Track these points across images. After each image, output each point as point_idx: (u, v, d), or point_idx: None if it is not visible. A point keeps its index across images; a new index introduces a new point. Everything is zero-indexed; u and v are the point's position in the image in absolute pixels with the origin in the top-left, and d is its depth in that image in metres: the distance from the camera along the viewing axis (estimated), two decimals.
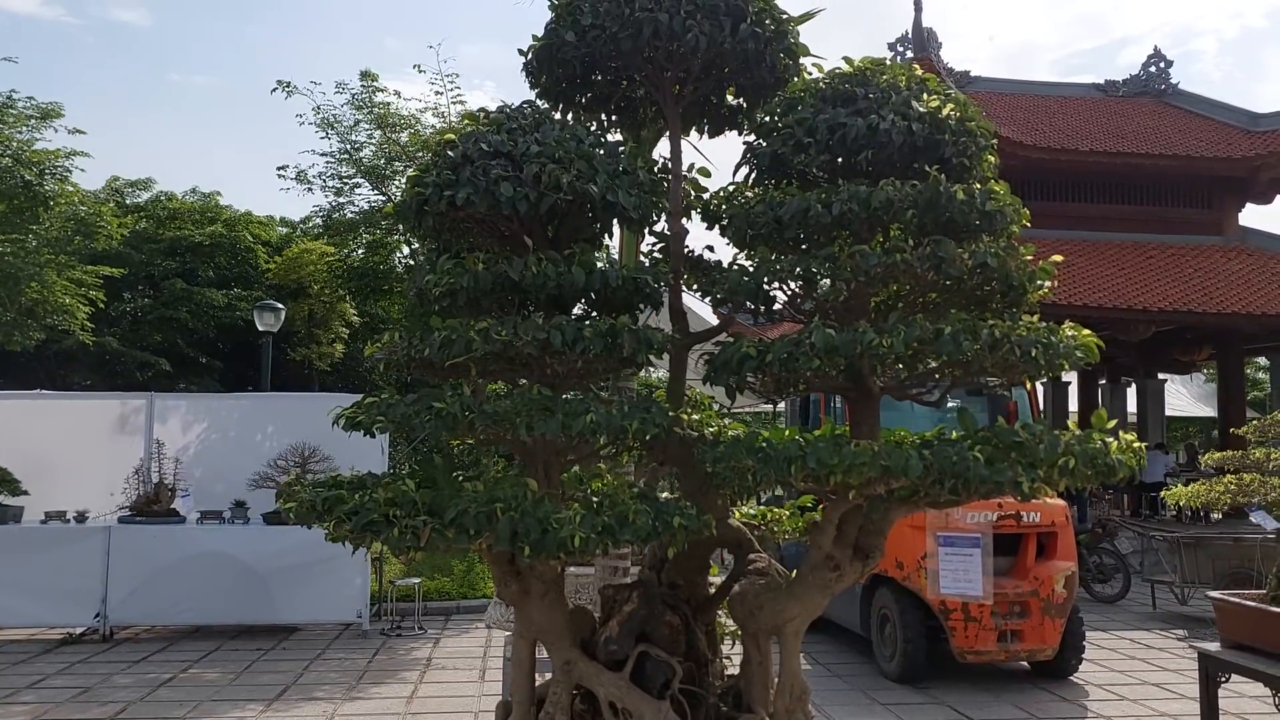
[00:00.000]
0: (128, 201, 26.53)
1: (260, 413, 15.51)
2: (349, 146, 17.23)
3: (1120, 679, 11.96)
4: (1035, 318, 4.21)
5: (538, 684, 4.70)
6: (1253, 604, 8.05)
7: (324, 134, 17.01)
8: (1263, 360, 31.16)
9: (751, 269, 4.34)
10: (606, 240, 5.15)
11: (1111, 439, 3.91)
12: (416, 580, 14.92)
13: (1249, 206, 23.24)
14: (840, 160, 4.38)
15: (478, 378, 4.22)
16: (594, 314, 4.56)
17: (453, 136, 4.38)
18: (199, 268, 24.91)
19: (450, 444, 4.96)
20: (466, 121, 4.49)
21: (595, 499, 4.12)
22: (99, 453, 14.61)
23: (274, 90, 16.63)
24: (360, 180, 17.28)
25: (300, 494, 3.91)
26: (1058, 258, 4.26)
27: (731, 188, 4.97)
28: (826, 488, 3.89)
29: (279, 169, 18.26)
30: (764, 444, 3.88)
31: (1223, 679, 8.36)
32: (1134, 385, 27.14)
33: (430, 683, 11.96)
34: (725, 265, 4.80)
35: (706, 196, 5.14)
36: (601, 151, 4.35)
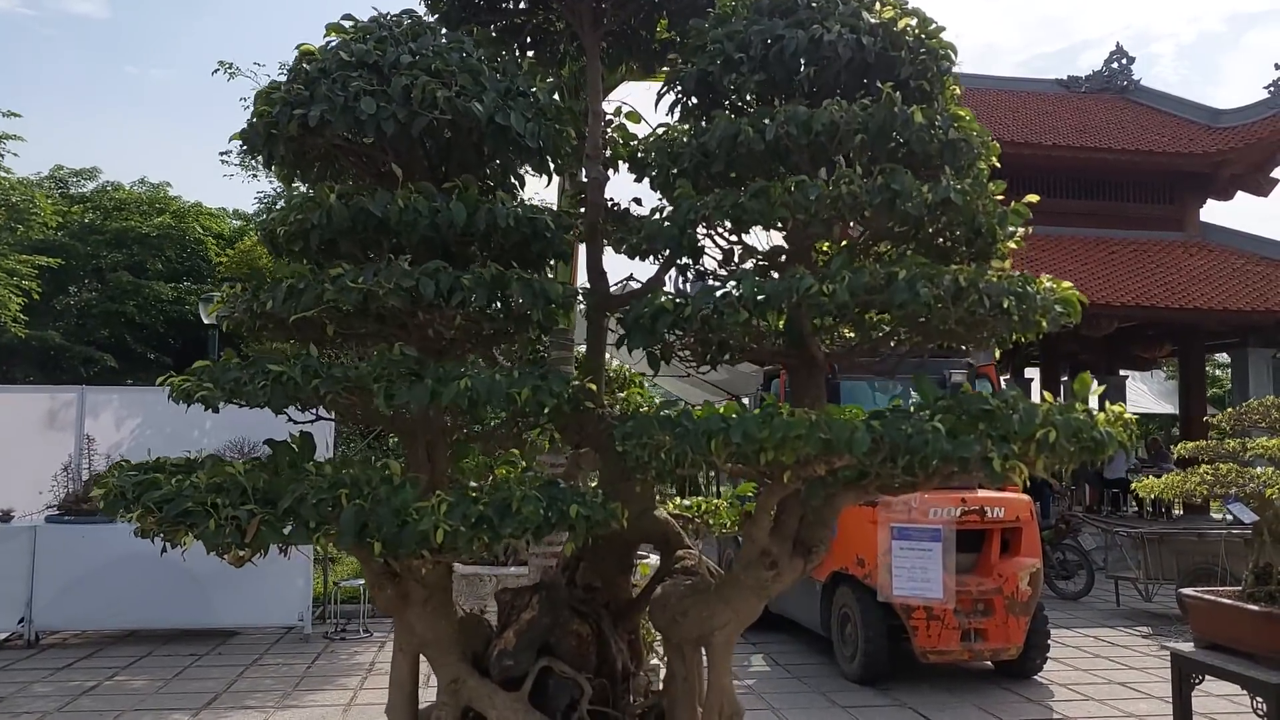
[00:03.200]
0: (72, 191, 25.41)
1: (197, 407, 14.59)
2: None
3: (1086, 678, 11.48)
4: (1007, 264, 3.47)
5: (421, 706, 3.91)
6: (1228, 601, 7.44)
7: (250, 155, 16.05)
8: (1223, 357, 30.79)
9: (671, 210, 3.54)
10: (520, 193, 4.35)
11: (1098, 410, 3.16)
12: (361, 581, 14.10)
13: (1210, 203, 22.78)
14: (777, 81, 3.59)
15: (341, 342, 3.42)
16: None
17: (311, 48, 3.55)
18: (147, 260, 23.76)
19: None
20: (332, 34, 3.64)
21: (474, 486, 3.32)
22: (26, 449, 13.73)
23: (215, 72, 15.72)
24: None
25: (109, 480, 3.10)
26: (1033, 197, 3.51)
27: (661, 130, 4.20)
28: (758, 469, 3.14)
29: (222, 154, 17.36)
30: (680, 418, 3.11)
31: (1196, 680, 7.79)
32: (1095, 381, 26.60)
33: (371, 689, 11.24)
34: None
35: (635, 144, 4.37)
36: (492, 70, 3.53)
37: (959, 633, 10.13)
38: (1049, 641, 11.01)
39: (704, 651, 3.85)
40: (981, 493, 10.51)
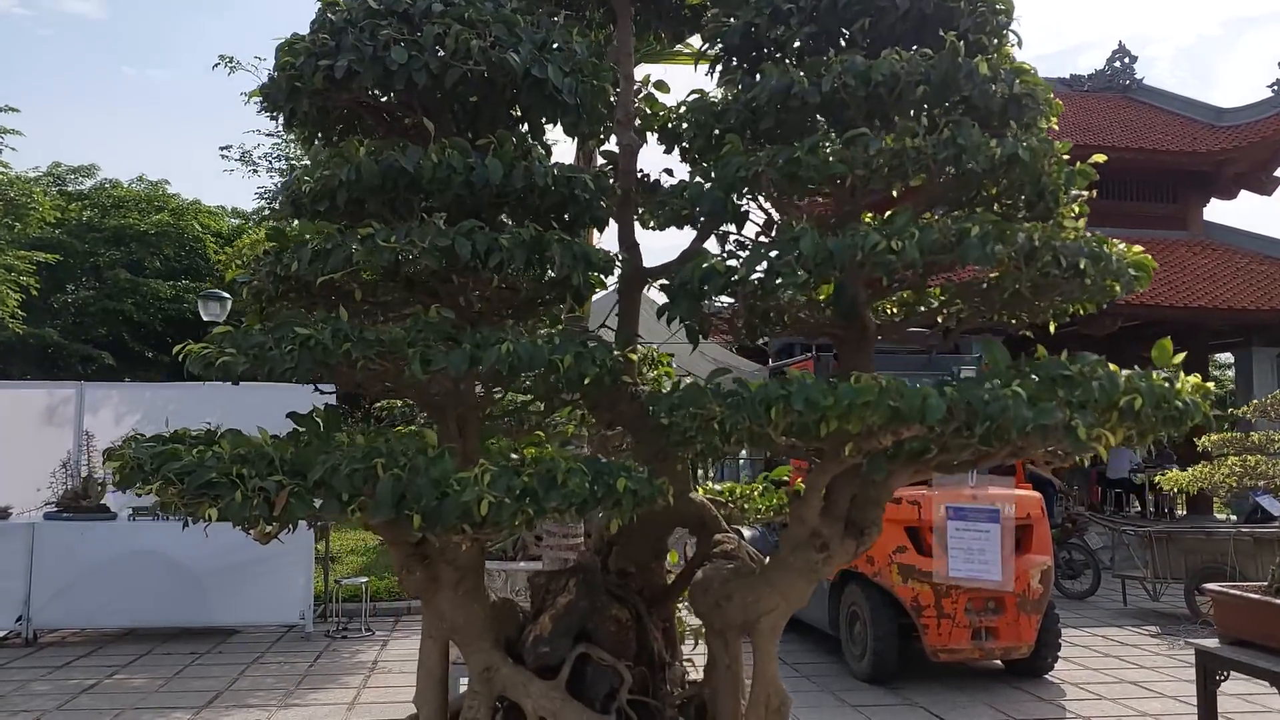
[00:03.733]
0: (70, 189, 25.13)
1: (199, 403, 14.36)
2: None
3: (1097, 677, 11.30)
4: (1080, 224, 3.26)
5: (451, 696, 3.69)
6: (1257, 597, 7.25)
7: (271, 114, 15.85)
8: (1225, 357, 30.65)
9: (716, 171, 3.31)
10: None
11: (1179, 379, 2.95)
12: (364, 579, 13.90)
13: (1214, 202, 22.64)
14: (829, 33, 3.38)
15: (366, 312, 3.20)
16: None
17: None
18: (145, 258, 23.49)
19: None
20: None
21: (514, 458, 3.09)
22: (24, 446, 13.49)
23: (215, 66, 15.49)
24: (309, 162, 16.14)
25: (125, 451, 2.88)
26: (1099, 157, 3.31)
27: (693, 97, 3.99)
28: (815, 443, 2.93)
29: (222, 149, 17.14)
30: (735, 388, 2.90)
31: (1221, 677, 7.61)
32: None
33: (374, 688, 11.03)
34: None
35: (663, 114, 4.16)
36: (527, 22, 3.31)
37: (970, 631, 9.94)
38: (1060, 640, 10.85)
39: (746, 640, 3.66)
40: (992, 489, 10.34)
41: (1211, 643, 7.66)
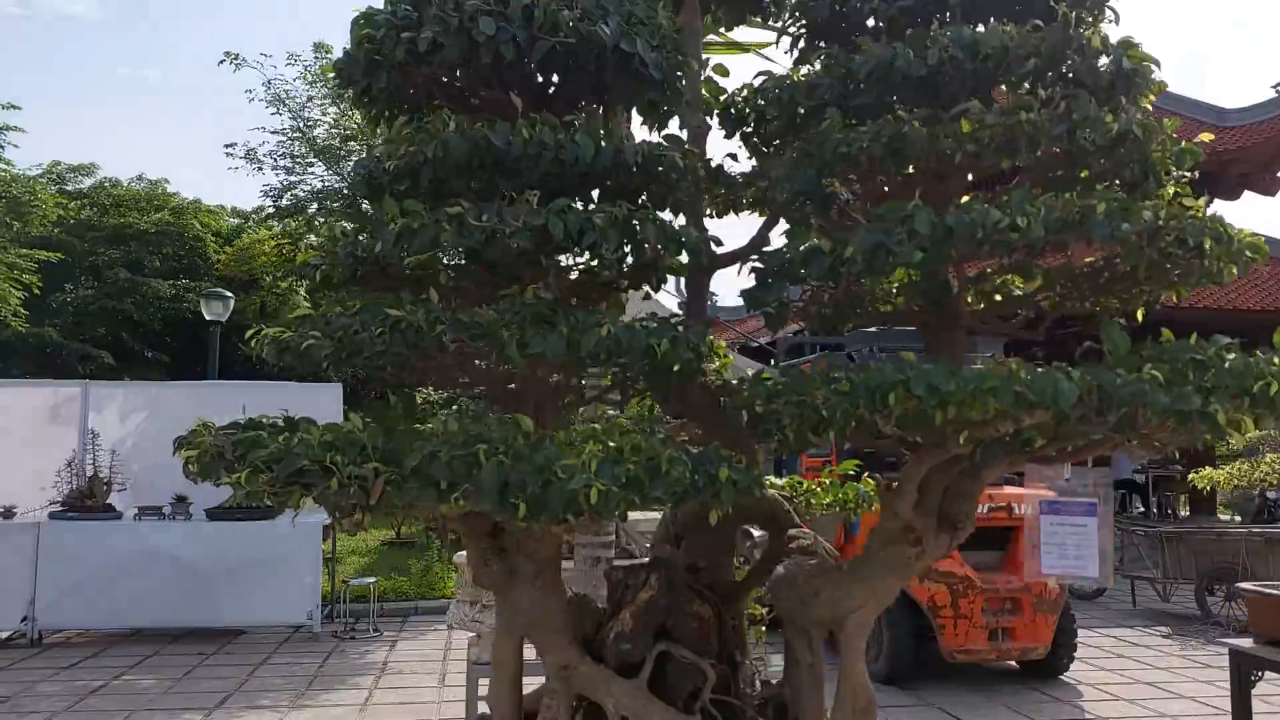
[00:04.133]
0: (70, 187, 24.82)
1: (204, 402, 14.20)
2: (301, 124, 15.91)
3: (1112, 678, 11.20)
4: (1200, 202, 3.13)
5: (525, 693, 3.54)
6: None
7: (275, 110, 15.68)
8: None
9: (812, 147, 3.17)
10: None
11: None
12: (372, 580, 13.73)
13: (1217, 202, 22.62)
14: (927, 6, 3.25)
15: (450, 293, 3.06)
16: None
17: None
18: (145, 257, 23.18)
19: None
20: None
21: (612, 445, 2.93)
22: (28, 444, 13.26)
23: (221, 63, 15.31)
24: (314, 160, 15.95)
25: (203, 439, 2.73)
26: (1206, 136, 3.19)
27: (759, 81, 3.86)
28: (926, 432, 2.80)
29: (227, 146, 16.88)
30: (842, 374, 2.76)
31: (1256, 677, 7.52)
32: None
33: (386, 688, 10.88)
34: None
35: (725, 98, 4.03)
36: None
37: (987, 632, 9.86)
38: (1076, 641, 10.76)
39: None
40: (1008, 489, 10.25)
41: (1245, 643, 7.57)
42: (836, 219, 3.53)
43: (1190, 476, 7.49)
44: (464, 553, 9.62)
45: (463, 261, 3.08)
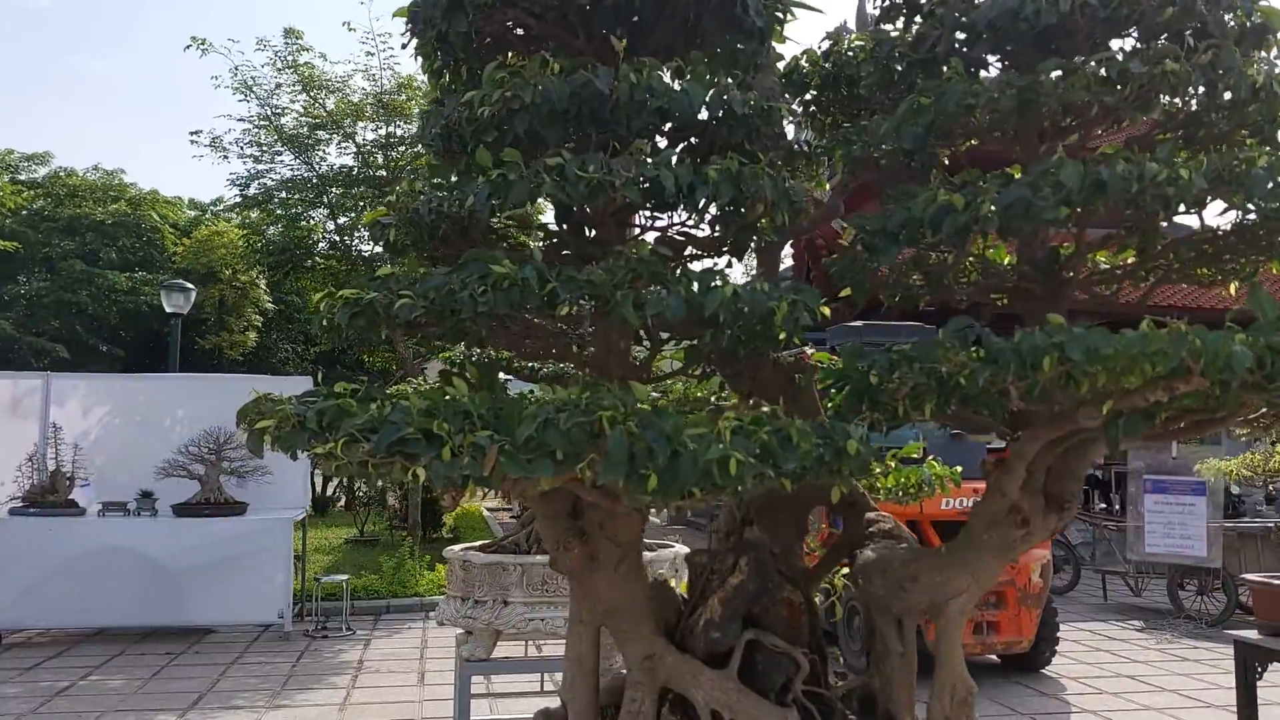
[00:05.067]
0: (24, 176, 23.97)
1: (170, 395, 13.77)
2: (269, 112, 15.43)
3: (1094, 671, 11.23)
4: None
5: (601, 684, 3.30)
6: None
7: (243, 96, 15.17)
8: None
9: (923, 101, 2.95)
10: None
11: None
12: (344, 577, 13.36)
13: None
14: None
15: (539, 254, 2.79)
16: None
17: None
18: (100, 249, 22.43)
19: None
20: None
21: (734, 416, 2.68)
22: None
23: (188, 48, 14.78)
24: (281, 149, 15.48)
25: (281, 407, 2.45)
26: None
27: (826, 44, 3.66)
28: (1045, 407, 2.61)
29: (192, 134, 16.31)
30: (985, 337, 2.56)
31: (1260, 669, 7.50)
32: None
33: (364, 688, 10.57)
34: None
35: (787, 64, 3.82)
36: None
37: (971, 625, 9.79)
38: (1059, 635, 10.76)
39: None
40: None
41: (1251, 634, 7.54)
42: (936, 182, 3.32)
43: (1198, 467, 7.44)
44: (454, 548, 9.34)
45: (550, 223, 2.83)
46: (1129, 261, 3.14)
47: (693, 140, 3.01)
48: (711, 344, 2.88)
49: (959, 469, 4.50)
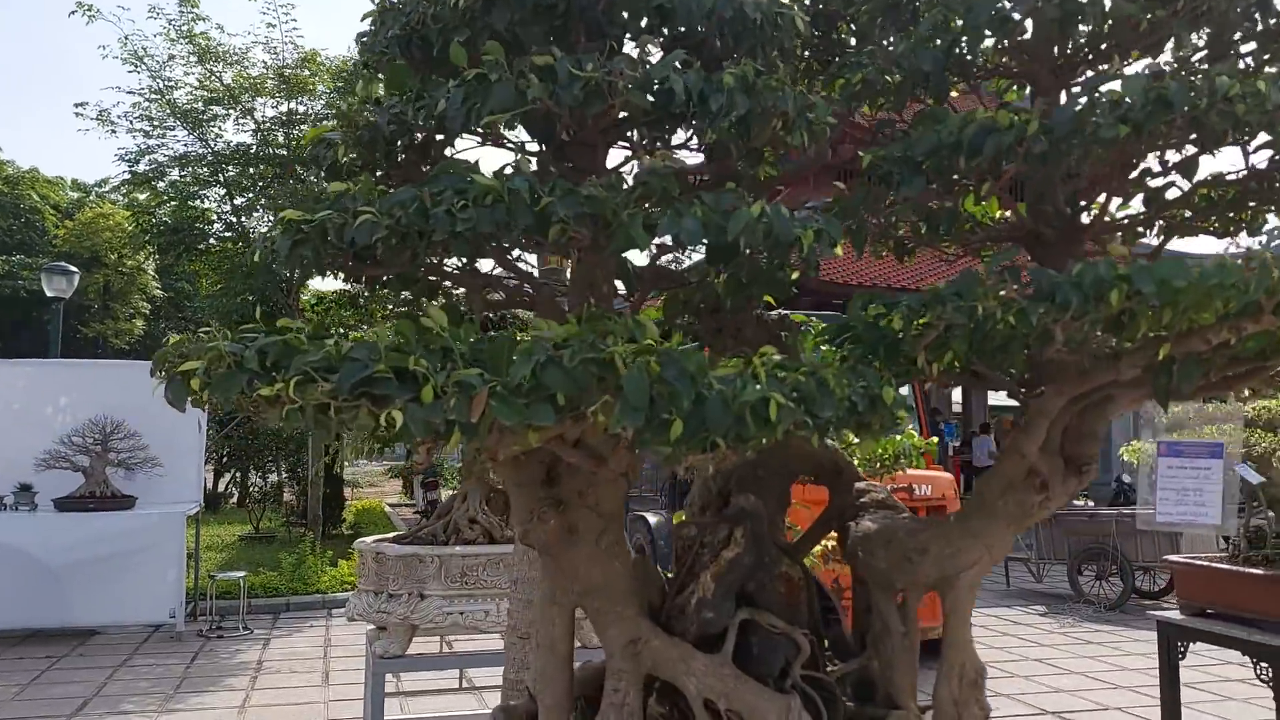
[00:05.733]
0: None
1: (51, 382, 12.85)
2: (162, 85, 14.51)
3: (1003, 655, 11.38)
4: None
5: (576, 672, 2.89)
6: (1229, 567, 7.14)
7: (133, 67, 14.23)
8: None
9: (945, 17, 2.61)
10: None
11: None
12: (241, 574, 12.67)
13: None
14: None
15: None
16: None
17: None
18: None
19: None
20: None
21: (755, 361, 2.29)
22: None
23: (72, 14, 13.80)
24: (174, 124, 14.57)
25: (212, 345, 1.99)
26: None
27: None
28: (1083, 353, 2.32)
29: (77, 106, 15.26)
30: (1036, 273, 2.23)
31: (1183, 649, 7.51)
32: None
33: (264, 689, 10.00)
34: None
35: None
36: None
37: None
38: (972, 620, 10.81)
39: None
40: (911, 471, 10.17)
41: (1174, 614, 7.55)
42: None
43: (1123, 449, 7.41)
44: (366, 539, 8.79)
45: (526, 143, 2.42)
46: (1139, 214, 2.88)
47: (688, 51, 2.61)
48: (700, 292, 2.52)
49: (934, 440, 4.24)
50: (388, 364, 1.83)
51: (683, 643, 2.65)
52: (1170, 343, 2.17)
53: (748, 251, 2.17)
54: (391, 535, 8.77)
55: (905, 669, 2.89)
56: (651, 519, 13.61)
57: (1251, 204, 2.86)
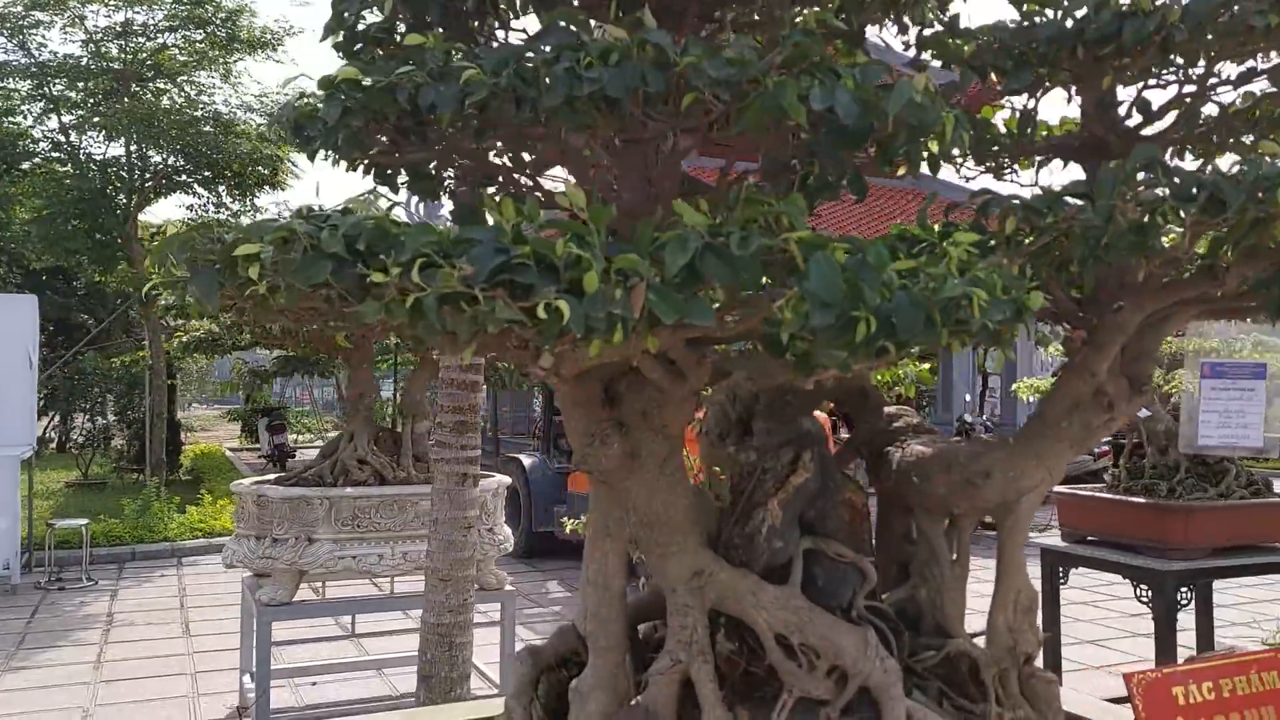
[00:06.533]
0: None
1: None
2: None
3: None
4: None
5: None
6: (1103, 495, 7.48)
7: None
8: None
9: None
10: None
11: None
12: (84, 522, 11.73)
13: None
14: None
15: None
16: None
17: None
18: None
19: None
20: None
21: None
22: None
23: None
24: None
25: (278, 226, 1.56)
26: None
27: None
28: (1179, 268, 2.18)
29: None
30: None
31: (1064, 574, 7.89)
32: None
33: (120, 643, 9.32)
34: None
35: None
36: None
37: None
38: None
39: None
40: (819, 414, 10.21)
41: (1056, 541, 7.87)
42: None
43: (1015, 386, 7.54)
44: (245, 481, 8.15)
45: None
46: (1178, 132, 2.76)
47: None
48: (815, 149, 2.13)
49: (927, 366, 4.10)
50: (534, 249, 1.49)
51: (751, 574, 2.41)
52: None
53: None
54: (272, 477, 8.17)
55: (955, 597, 2.74)
56: (525, 460, 13.30)
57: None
